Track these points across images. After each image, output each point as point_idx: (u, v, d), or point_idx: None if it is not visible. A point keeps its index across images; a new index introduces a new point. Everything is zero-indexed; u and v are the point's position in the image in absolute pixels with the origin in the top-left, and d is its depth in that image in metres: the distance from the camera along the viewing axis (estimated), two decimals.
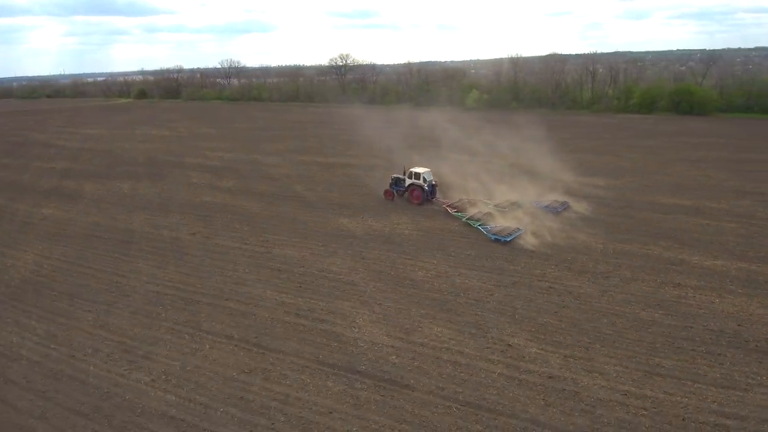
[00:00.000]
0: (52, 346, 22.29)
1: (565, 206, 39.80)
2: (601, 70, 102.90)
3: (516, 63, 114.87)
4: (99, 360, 21.19)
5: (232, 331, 23.03)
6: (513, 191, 42.25)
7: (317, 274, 28.78)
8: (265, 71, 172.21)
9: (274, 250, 32.58)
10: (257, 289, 27.05)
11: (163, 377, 19.95)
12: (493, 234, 34.67)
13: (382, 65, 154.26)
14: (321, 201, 43.48)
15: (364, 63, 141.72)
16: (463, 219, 38.13)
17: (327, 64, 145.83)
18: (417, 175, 42.86)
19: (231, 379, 19.69)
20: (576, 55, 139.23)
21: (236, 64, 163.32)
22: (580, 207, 39.46)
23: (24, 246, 34.76)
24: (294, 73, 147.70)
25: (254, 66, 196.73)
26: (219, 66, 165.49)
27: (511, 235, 34.27)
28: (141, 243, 34.50)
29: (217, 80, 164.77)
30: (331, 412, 17.79)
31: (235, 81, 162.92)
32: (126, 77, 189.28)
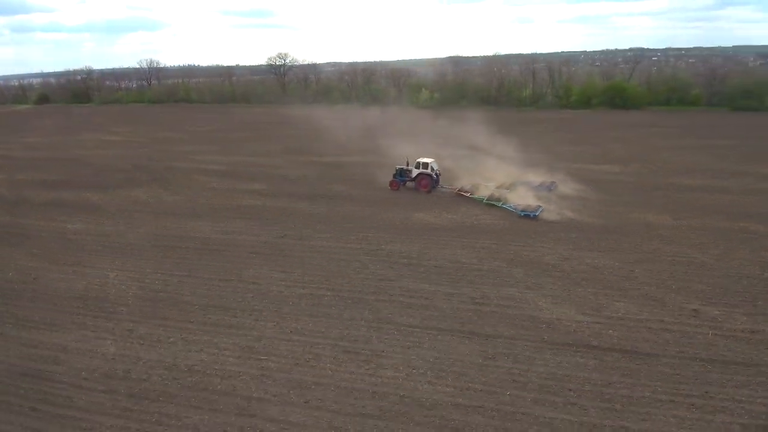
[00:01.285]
0: (261, 358, 20.92)
1: (554, 185, 43.99)
2: (540, 68, 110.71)
3: (457, 63, 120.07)
4: (330, 364, 20.35)
5: (435, 323, 23.10)
6: (511, 176, 46.09)
7: (451, 265, 29.32)
8: (187, 71, 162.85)
9: (384, 246, 32.45)
10: (411, 283, 27.05)
11: (414, 371, 19.74)
12: (521, 210, 38.03)
13: (322, 64, 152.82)
14: (376, 198, 43.41)
15: (305, 62, 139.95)
16: (483, 201, 41.19)
17: (265, 63, 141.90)
18: (425, 165, 45.41)
19: (483, 366, 20.01)
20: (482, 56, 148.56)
21: (155, 64, 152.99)
22: (604, 190, 43.51)
23: (91, 263, 31.16)
24: (225, 73, 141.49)
25: (175, 66, 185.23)
26: (137, 66, 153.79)
27: (536, 211, 37.77)
28: (234, 250, 32.53)
29: (135, 82, 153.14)
30: (609, 384, 18.93)
31: (155, 82, 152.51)
32: (21, 80, 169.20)
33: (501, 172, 47.17)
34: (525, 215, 37.54)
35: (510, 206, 39.29)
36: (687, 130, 75.00)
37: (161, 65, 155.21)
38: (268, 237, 34.84)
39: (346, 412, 17.79)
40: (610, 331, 22.24)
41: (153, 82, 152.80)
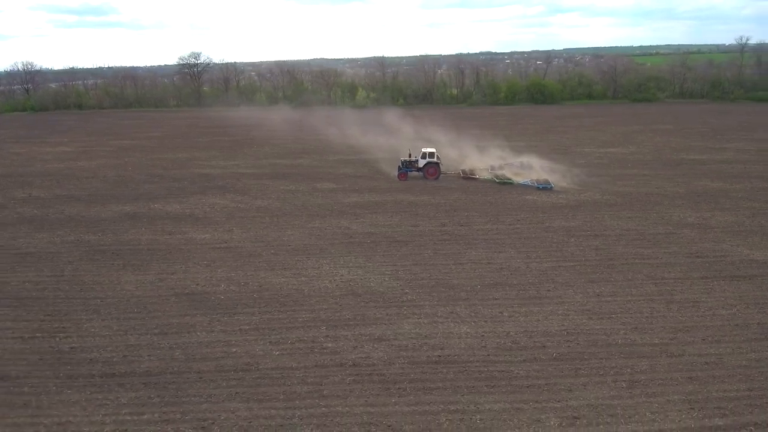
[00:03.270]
0: (610, 317, 23.27)
1: (528, 164, 49.78)
2: (466, 70, 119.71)
3: (383, 63, 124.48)
4: (669, 312, 23.56)
5: (695, 273, 27.42)
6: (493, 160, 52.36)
7: (630, 233, 33.62)
8: (69, 74, 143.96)
9: (549, 223, 35.78)
10: (625, 249, 30.95)
11: (738, 307, 23.78)
12: (539, 184, 44.75)
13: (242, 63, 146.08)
14: (461, 187, 46.31)
15: (225, 62, 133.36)
16: (496, 181, 47.10)
17: (176, 62, 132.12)
18: (431, 155, 49.33)
19: None
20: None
21: (30, 66, 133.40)
22: (638, 167, 51.76)
23: (295, 265, 29.69)
24: (127, 75, 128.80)
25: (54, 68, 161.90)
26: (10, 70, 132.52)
27: (549, 183, 44.52)
28: (420, 240, 33.30)
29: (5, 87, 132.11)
30: None
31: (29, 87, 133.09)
32: None
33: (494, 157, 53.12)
34: (543, 188, 43.82)
35: (527, 182, 45.45)
36: (620, 118, 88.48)
37: (39, 68, 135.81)
38: (429, 226, 36.03)
39: (740, 340, 21.30)
40: None
41: (28, 86, 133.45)
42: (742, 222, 35.37)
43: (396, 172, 49.72)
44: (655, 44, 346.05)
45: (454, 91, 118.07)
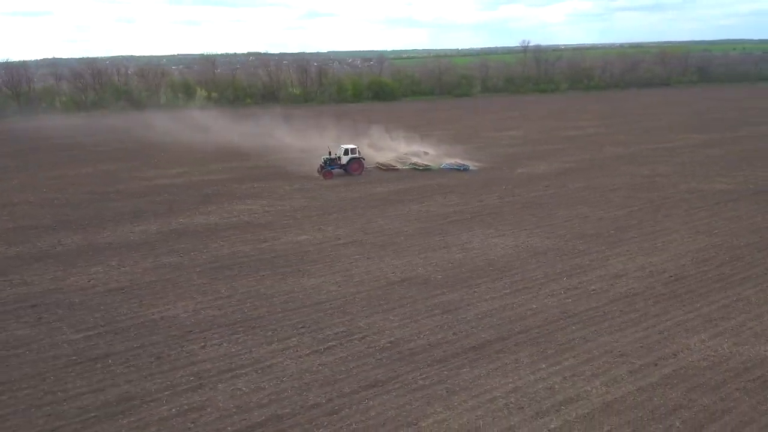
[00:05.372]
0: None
1: (427, 153, 56.30)
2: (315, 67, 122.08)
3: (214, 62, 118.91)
4: (739, 225, 33.56)
5: (710, 201, 38.50)
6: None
7: (631, 184, 44.01)
8: None
9: (571, 185, 44.02)
10: (645, 194, 40.89)
11: None
12: (458, 166, 52.01)
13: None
14: (428, 175, 51.63)
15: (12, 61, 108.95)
16: (419, 168, 51.69)
17: None
18: (353, 150, 51.06)
19: None
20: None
21: None
22: (548, 143, 64.73)
23: (447, 243, 31.74)
24: None
25: None
26: None
27: (465, 165, 51.56)
28: (505, 208, 38.15)
29: None
30: None
31: None
32: None
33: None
34: (464, 169, 51.37)
35: (447, 165, 51.93)
36: (466, 110, 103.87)
37: None
38: (492, 200, 41.15)
39: None
40: None
41: None
42: (676, 171, 49.08)
43: (318, 172, 49.16)
44: (404, 48, 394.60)
45: (297, 90, 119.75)
